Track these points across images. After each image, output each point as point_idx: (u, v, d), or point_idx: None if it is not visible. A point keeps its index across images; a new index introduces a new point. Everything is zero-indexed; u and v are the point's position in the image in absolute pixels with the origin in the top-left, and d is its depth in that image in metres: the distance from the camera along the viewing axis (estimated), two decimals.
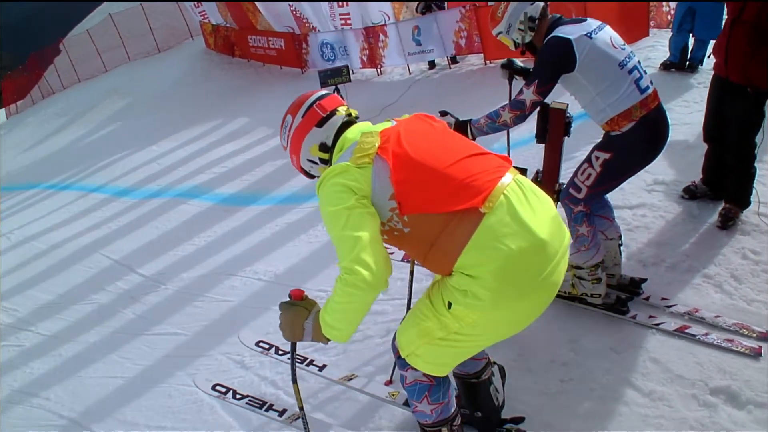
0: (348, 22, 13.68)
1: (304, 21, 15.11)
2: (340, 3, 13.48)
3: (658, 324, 3.40)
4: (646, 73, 3.19)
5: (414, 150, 2.15)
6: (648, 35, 8.85)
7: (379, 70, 13.46)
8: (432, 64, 12.50)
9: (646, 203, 4.81)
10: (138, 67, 22.32)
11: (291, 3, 14.94)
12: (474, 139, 3.37)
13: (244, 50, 18.59)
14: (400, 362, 2.42)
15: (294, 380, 2.48)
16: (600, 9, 8.31)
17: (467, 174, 2.09)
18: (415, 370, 2.36)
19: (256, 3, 16.15)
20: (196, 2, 19.89)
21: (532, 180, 3.01)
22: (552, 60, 3.15)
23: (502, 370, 3.00)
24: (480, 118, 3.40)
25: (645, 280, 3.76)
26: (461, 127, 3.45)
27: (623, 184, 3.77)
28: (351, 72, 10.75)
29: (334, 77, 10.10)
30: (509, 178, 2.14)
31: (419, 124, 2.35)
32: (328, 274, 5.62)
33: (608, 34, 3.14)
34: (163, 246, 7.96)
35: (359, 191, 2.09)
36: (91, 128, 19.02)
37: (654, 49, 8.42)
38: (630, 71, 3.10)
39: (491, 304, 2.03)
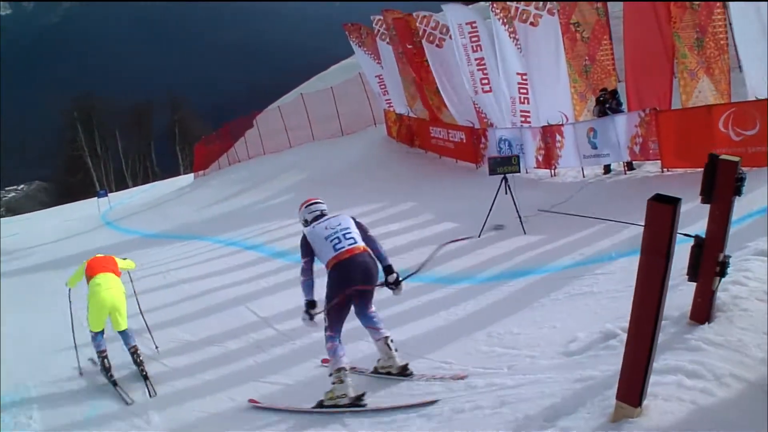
0: (528, 119, 14.61)
1: (482, 116, 16.31)
2: (522, 99, 14.47)
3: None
4: (347, 236, 5.85)
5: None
6: None
7: (553, 171, 14.08)
8: (607, 169, 12.93)
9: None
10: (320, 147, 24.87)
11: (473, 97, 16.21)
12: None
13: (424, 141, 20.18)
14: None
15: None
16: None
17: None
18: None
19: (443, 95, 17.62)
20: (383, 91, 21.99)
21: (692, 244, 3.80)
22: (301, 242, 6.06)
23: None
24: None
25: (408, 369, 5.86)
26: None
27: None
28: (525, 170, 11.40)
29: (504, 165, 10.97)
30: None
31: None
32: (457, 347, 6.52)
33: (325, 224, 6.07)
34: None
35: None
36: (266, 196, 21.46)
37: None
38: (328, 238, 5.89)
39: None
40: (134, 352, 7.82)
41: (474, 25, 15.80)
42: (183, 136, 78.43)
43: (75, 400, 7.62)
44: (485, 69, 15.92)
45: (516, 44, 14.46)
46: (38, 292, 14.80)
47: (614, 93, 12.77)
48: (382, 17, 20.36)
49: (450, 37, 17.06)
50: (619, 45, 12.85)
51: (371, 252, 5.87)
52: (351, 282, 5.58)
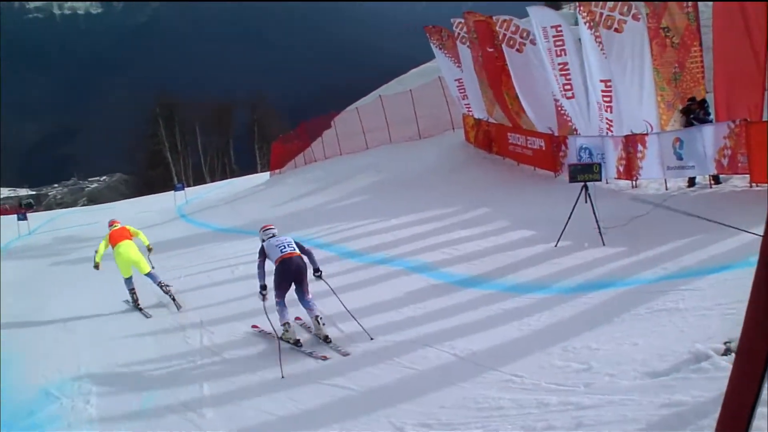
0: (611, 128, 14.42)
1: (566, 119, 16.18)
2: (606, 107, 14.30)
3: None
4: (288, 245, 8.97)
5: None
6: None
7: (634, 182, 13.85)
8: (692, 182, 12.64)
9: None
10: (397, 150, 25.14)
11: (557, 98, 16.10)
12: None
13: (502, 147, 20.14)
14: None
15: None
16: None
17: None
18: None
19: (522, 100, 17.57)
20: (462, 95, 22.05)
21: None
22: (260, 250, 9.26)
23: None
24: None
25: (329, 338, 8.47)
26: None
27: None
28: (606, 180, 11.29)
29: (584, 173, 10.91)
30: None
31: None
32: (530, 360, 6.50)
33: (275, 240, 9.26)
34: (374, 308, 9.46)
35: None
36: (340, 196, 21.87)
37: None
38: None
39: None
40: (161, 285, 11.96)
41: (559, 28, 15.70)
42: (261, 135, 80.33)
43: (132, 387, 7.95)
44: (568, 74, 15.80)
45: (601, 50, 14.29)
46: (105, 279, 15.57)
47: (702, 102, 12.46)
48: (463, 20, 20.46)
49: (531, 41, 17.04)
50: (708, 54, 12.57)
51: (303, 257, 8.96)
52: (287, 272, 8.78)
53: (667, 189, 13.14)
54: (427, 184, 19.77)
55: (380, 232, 14.94)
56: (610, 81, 14.39)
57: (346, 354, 7.83)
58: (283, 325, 8.64)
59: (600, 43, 14.31)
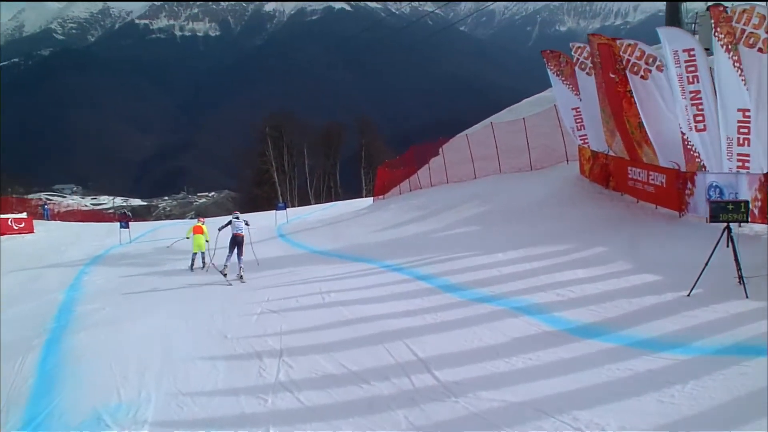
0: (746, 164, 13.16)
1: (694, 154, 14.98)
2: (742, 140, 13.08)
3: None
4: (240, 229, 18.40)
5: None
6: None
7: None
8: None
9: None
10: (506, 180, 24.36)
11: (684, 132, 14.94)
12: None
13: (620, 182, 19.07)
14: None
15: None
16: None
17: None
18: None
19: (647, 129, 16.48)
20: (579, 125, 21.06)
21: None
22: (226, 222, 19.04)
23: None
24: None
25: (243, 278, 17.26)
26: None
27: None
28: (738, 224, 10.24)
29: (729, 212, 10.04)
30: None
31: None
32: None
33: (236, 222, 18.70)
34: (474, 355, 8.49)
35: None
36: (443, 225, 21.33)
37: None
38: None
39: None
40: (203, 260, 20.29)
41: (692, 53, 14.60)
42: (368, 160, 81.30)
43: (190, 423, 7.45)
44: (701, 104, 14.64)
45: (740, 75, 13.08)
46: (193, 295, 15.51)
47: None
48: (582, 45, 19.60)
49: (657, 68, 15.97)
50: None
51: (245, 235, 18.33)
52: (234, 242, 18.03)
53: None
54: (536, 217, 18.96)
55: (485, 267, 14.23)
56: (749, 111, 13.16)
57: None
58: (224, 266, 17.77)
59: (739, 67, 13.11)
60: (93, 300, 16.44)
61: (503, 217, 20.07)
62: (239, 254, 17.81)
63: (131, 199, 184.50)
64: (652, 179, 17.26)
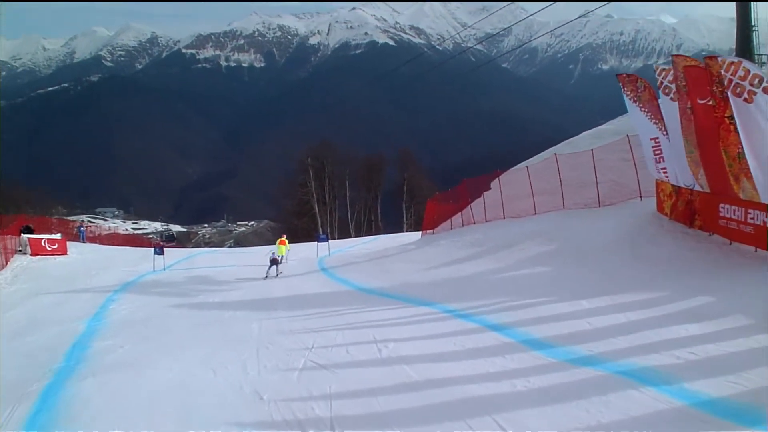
0: None
1: None
2: None
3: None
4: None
5: None
6: None
7: None
8: None
9: None
10: (571, 217, 22.19)
11: None
12: None
13: (708, 221, 16.80)
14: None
15: None
16: None
17: None
18: None
19: (750, 162, 14.19)
20: (659, 157, 18.86)
21: None
22: None
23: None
24: None
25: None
26: None
27: None
28: None
29: None
30: None
31: None
32: None
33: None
34: None
35: None
36: (504, 265, 19.32)
37: None
38: None
39: None
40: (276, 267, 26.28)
41: None
42: (410, 194, 79.82)
43: None
44: None
45: None
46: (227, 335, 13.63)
47: None
48: (667, 68, 17.47)
49: (763, 90, 13.70)
50: None
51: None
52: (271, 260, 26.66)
53: None
54: (614, 258, 16.71)
55: (569, 317, 11.91)
56: None
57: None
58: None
59: None
60: (113, 334, 14.81)
61: (575, 257, 17.85)
62: (277, 266, 26.23)
63: (172, 225, 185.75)
64: (752, 218, 14.93)
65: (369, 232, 71.18)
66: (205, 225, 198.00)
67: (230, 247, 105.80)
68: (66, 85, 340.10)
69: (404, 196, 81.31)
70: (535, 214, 24.69)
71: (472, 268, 19.94)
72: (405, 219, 78.04)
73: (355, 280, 22.27)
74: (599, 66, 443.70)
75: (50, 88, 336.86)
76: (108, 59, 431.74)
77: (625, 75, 20.33)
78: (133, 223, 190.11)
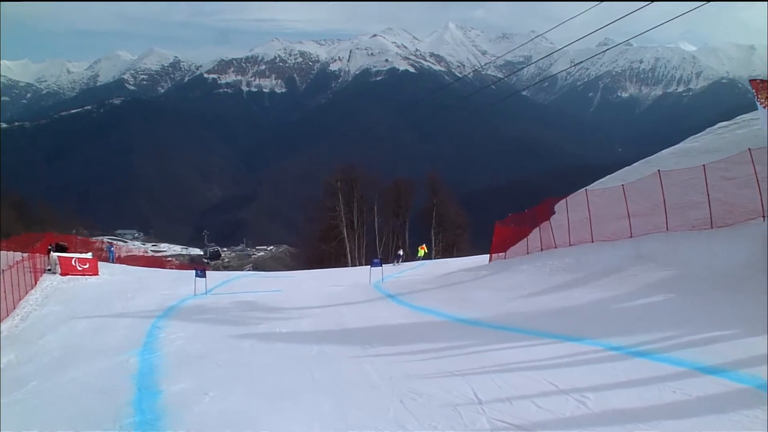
0: None
1: None
2: None
3: None
4: None
5: None
6: None
7: None
8: None
9: None
10: (678, 239, 19.23)
11: None
12: None
13: None
14: None
15: None
16: None
17: None
18: None
19: None
20: None
21: None
22: None
23: None
24: None
25: None
26: None
27: None
28: None
29: None
30: None
31: None
32: None
33: None
34: None
35: None
36: (622, 293, 16.68)
37: None
38: None
39: None
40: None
41: None
42: (438, 220, 76.69)
43: None
44: None
45: None
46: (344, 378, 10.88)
47: None
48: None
49: None
50: None
51: None
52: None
53: None
54: (755, 287, 13.82)
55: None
56: None
57: None
58: None
59: None
60: (180, 372, 12.14)
61: (704, 285, 15.10)
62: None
63: (190, 248, 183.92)
64: None
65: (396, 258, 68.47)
66: (225, 249, 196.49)
67: (250, 269, 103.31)
68: (89, 107, 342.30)
69: (433, 222, 78.02)
70: (631, 236, 21.76)
71: (581, 297, 17.07)
72: (434, 245, 74.60)
73: (440, 309, 19.58)
74: (619, 94, 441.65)
75: (74, 110, 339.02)
76: (131, 83, 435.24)
77: (758, 80, 17.71)
78: (153, 245, 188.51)
